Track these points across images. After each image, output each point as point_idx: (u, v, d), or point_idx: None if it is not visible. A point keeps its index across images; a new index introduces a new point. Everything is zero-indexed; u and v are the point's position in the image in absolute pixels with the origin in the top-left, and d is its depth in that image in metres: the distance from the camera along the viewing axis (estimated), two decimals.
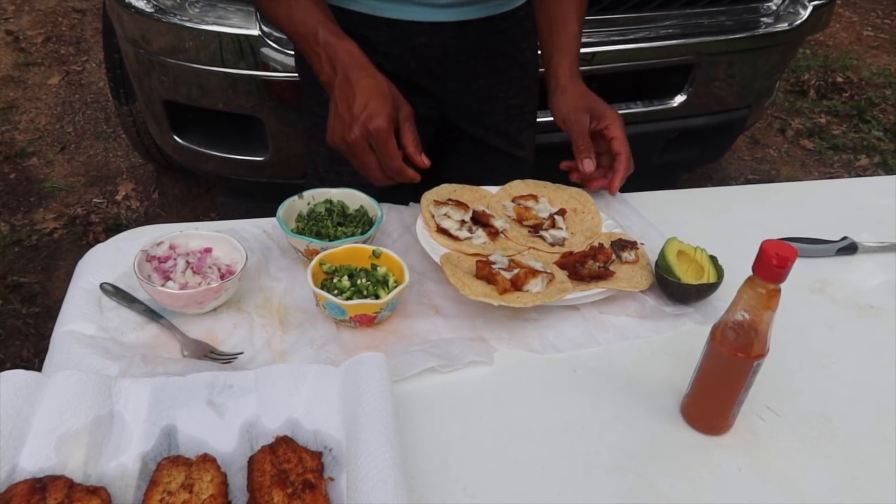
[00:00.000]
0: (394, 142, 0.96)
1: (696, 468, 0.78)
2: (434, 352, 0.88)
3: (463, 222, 1.04)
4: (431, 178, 1.12)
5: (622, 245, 1.05)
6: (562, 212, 1.13)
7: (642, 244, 1.08)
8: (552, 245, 1.08)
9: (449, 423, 0.80)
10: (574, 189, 1.18)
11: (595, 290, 0.97)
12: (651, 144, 2.22)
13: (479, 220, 1.06)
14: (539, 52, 1.26)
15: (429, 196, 1.08)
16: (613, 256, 1.04)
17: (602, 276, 0.99)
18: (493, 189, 1.17)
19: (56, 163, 2.86)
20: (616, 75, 1.99)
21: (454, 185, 1.13)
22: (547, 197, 1.16)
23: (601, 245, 1.05)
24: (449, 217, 1.05)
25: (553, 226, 1.10)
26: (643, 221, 1.16)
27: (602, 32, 1.92)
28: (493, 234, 1.06)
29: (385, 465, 0.67)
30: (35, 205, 2.62)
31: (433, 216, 1.05)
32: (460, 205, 1.07)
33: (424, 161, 1.00)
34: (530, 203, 1.13)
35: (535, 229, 1.10)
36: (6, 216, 2.55)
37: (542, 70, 1.24)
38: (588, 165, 1.12)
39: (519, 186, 1.18)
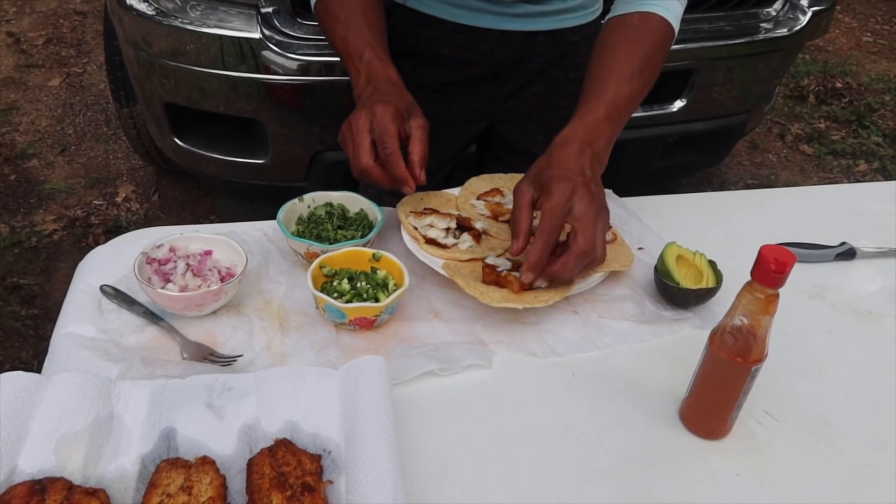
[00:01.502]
0: (393, 130, 0.93)
1: (694, 473, 0.78)
2: (433, 355, 0.88)
3: (448, 230, 1.04)
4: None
5: None
6: None
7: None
8: (533, 235, 1.09)
9: (448, 427, 0.81)
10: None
11: (595, 277, 0.99)
12: (650, 149, 2.22)
13: (462, 224, 1.06)
14: None
15: (404, 209, 1.08)
16: None
17: None
18: (455, 191, 1.18)
19: (56, 164, 2.86)
20: None
21: (420, 193, 1.13)
22: (507, 188, 1.17)
23: None
24: (433, 227, 1.05)
25: None
26: (642, 226, 1.16)
27: None
28: (477, 235, 1.06)
29: (384, 469, 0.67)
30: (35, 206, 2.62)
31: (416, 229, 1.05)
32: (441, 212, 1.07)
33: (421, 177, 0.96)
34: (498, 198, 1.15)
35: None
36: (6, 218, 2.55)
37: None
38: (513, 247, 0.91)
39: (478, 183, 1.19)
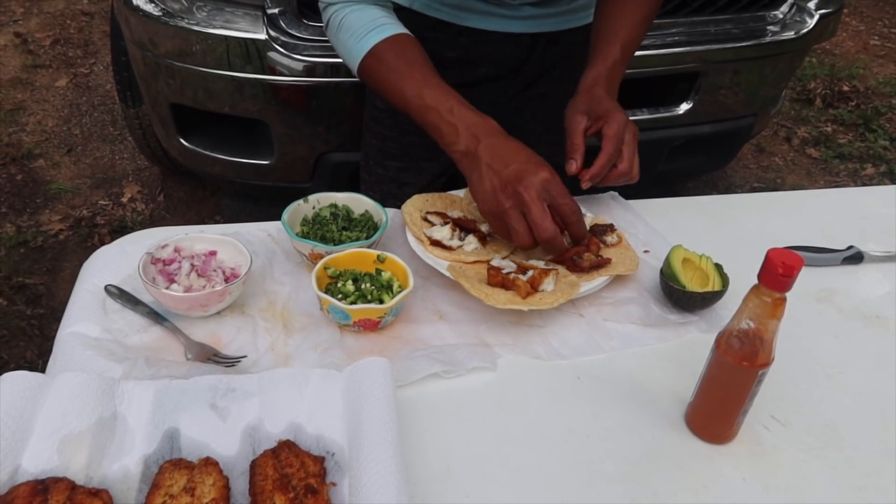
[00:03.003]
0: (566, 190, 0.95)
1: (700, 477, 0.77)
2: (438, 357, 0.87)
3: (453, 231, 1.04)
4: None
5: (601, 230, 1.08)
6: None
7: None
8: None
9: (452, 430, 0.80)
10: None
11: (600, 280, 0.99)
12: (656, 152, 2.21)
13: (466, 226, 1.06)
14: None
15: (413, 213, 1.07)
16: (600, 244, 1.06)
17: (601, 264, 1.01)
18: (461, 192, 1.17)
19: (62, 165, 2.87)
20: (622, 82, 1.99)
21: (425, 195, 1.12)
22: None
23: (590, 235, 1.06)
24: (439, 228, 1.05)
25: None
26: (648, 228, 1.16)
27: None
28: (482, 237, 1.06)
29: (387, 471, 0.67)
30: (41, 206, 2.63)
31: (426, 220, 1.04)
32: (444, 215, 1.07)
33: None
34: None
35: None
36: (12, 217, 2.55)
37: None
38: (570, 166, 1.05)
39: None
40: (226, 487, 0.67)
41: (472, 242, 1.03)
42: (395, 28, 1.06)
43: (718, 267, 0.99)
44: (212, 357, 0.86)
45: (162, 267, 0.93)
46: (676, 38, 2.00)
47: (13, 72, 3.50)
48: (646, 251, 1.10)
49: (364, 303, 0.90)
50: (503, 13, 1.19)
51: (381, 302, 0.91)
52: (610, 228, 1.09)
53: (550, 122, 1.34)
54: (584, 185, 1.04)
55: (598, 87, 1.10)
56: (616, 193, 1.25)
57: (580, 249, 1.03)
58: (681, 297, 0.97)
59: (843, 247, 1.14)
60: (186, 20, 1.74)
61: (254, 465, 0.69)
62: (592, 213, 1.15)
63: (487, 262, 1.00)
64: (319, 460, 0.70)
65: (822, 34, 2.22)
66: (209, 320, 0.92)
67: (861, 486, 0.78)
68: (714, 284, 0.97)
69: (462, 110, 1.00)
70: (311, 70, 1.74)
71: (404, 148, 1.33)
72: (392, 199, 1.27)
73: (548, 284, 0.95)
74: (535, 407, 0.84)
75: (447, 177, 1.38)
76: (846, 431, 0.84)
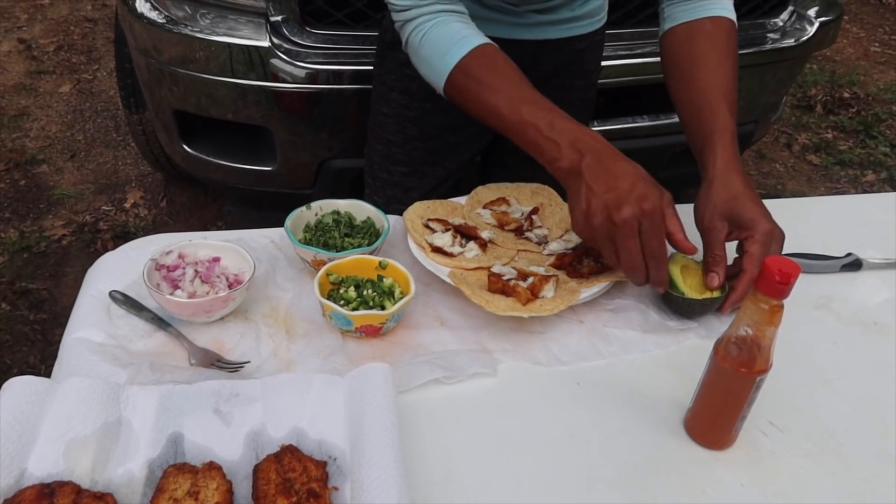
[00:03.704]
0: (663, 227, 0.89)
1: (698, 483, 0.78)
2: (438, 363, 0.88)
3: (455, 237, 1.05)
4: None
5: None
6: (535, 210, 1.15)
7: None
8: (539, 244, 1.10)
9: (452, 435, 0.81)
10: (534, 185, 1.20)
11: (601, 286, 0.99)
12: (657, 159, 2.22)
13: (467, 233, 1.07)
14: (688, 131, 1.11)
15: (414, 220, 1.08)
16: None
17: (601, 270, 1.02)
18: (462, 199, 1.18)
19: (66, 170, 2.88)
20: (622, 89, 2.00)
21: (427, 202, 1.13)
22: (514, 197, 1.18)
23: None
24: (440, 235, 1.06)
25: (532, 225, 1.12)
26: None
27: (609, 47, 1.93)
28: (483, 244, 1.06)
29: (389, 476, 0.68)
30: (44, 211, 2.64)
31: (423, 236, 1.05)
32: (446, 222, 1.08)
33: (691, 247, 0.92)
34: (504, 207, 1.16)
35: (519, 231, 1.12)
36: (15, 222, 2.57)
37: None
38: (712, 281, 0.95)
39: (485, 192, 1.19)
40: (229, 492, 0.68)
41: (472, 249, 1.04)
42: (479, 39, 1.01)
43: None
44: (215, 362, 0.86)
45: (166, 273, 0.94)
46: None
47: (17, 78, 3.52)
48: None
49: (366, 309, 0.91)
50: (508, 20, 1.20)
51: (383, 308, 0.92)
52: None
53: None
54: (725, 312, 0.97)
55: (732, 174, 1.00)
56: None
57: (579, 253, 1.04)
58: (680, 303, 0.97)
59: (842, 254, 1.15)
60: (190, 27, 1.75)
61: (257, 470, 0.70)
62: None
63: (488, 268, 1.01)
64: (322, 465, 0.71)
65: (822, 41, 2.23)
66: (213, 326, 0.93)
67: (859, 492, 0.78)
68: (713, 291, 0.97)
69: (563, 124, 0.93)
70: (313, 77, 1.76)
71: (409, 153, 1.34)
72: (396, 203, 1.28)
73: (548, 291, 0.95)
74: (536, 412, 0.85)
75: (451, 182, 1.39)
76: (844, 437, 0.84)
